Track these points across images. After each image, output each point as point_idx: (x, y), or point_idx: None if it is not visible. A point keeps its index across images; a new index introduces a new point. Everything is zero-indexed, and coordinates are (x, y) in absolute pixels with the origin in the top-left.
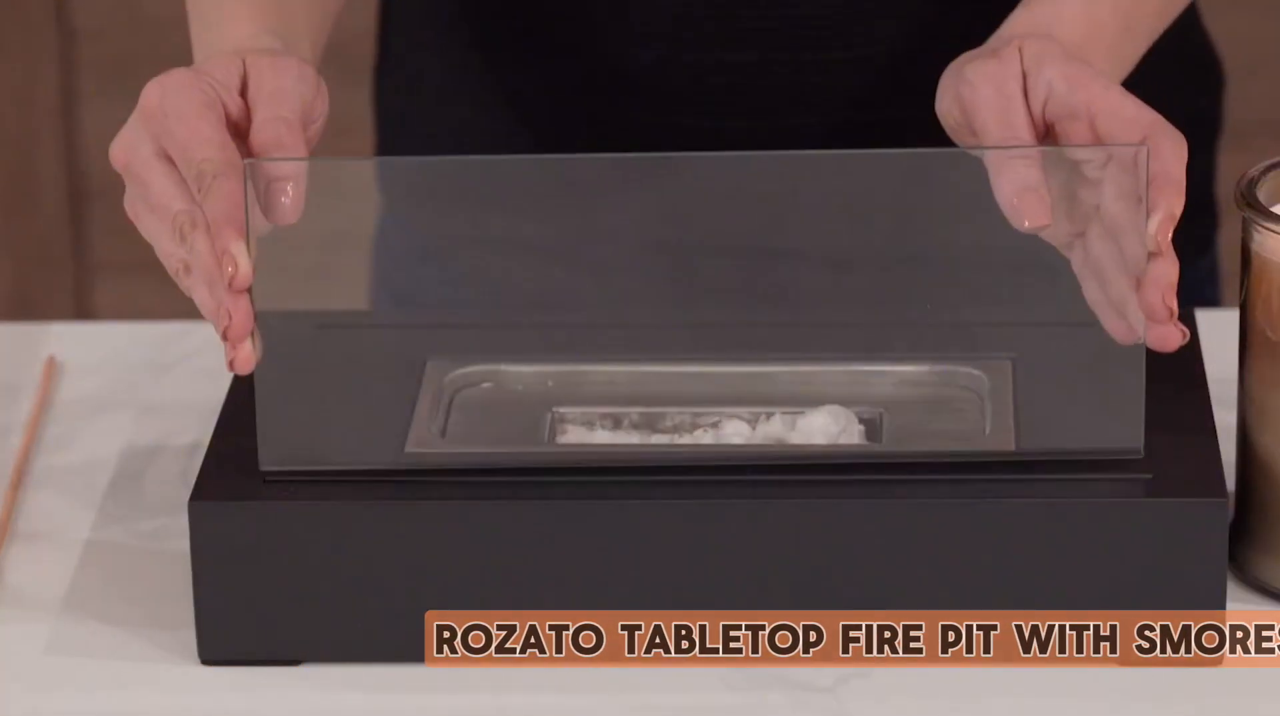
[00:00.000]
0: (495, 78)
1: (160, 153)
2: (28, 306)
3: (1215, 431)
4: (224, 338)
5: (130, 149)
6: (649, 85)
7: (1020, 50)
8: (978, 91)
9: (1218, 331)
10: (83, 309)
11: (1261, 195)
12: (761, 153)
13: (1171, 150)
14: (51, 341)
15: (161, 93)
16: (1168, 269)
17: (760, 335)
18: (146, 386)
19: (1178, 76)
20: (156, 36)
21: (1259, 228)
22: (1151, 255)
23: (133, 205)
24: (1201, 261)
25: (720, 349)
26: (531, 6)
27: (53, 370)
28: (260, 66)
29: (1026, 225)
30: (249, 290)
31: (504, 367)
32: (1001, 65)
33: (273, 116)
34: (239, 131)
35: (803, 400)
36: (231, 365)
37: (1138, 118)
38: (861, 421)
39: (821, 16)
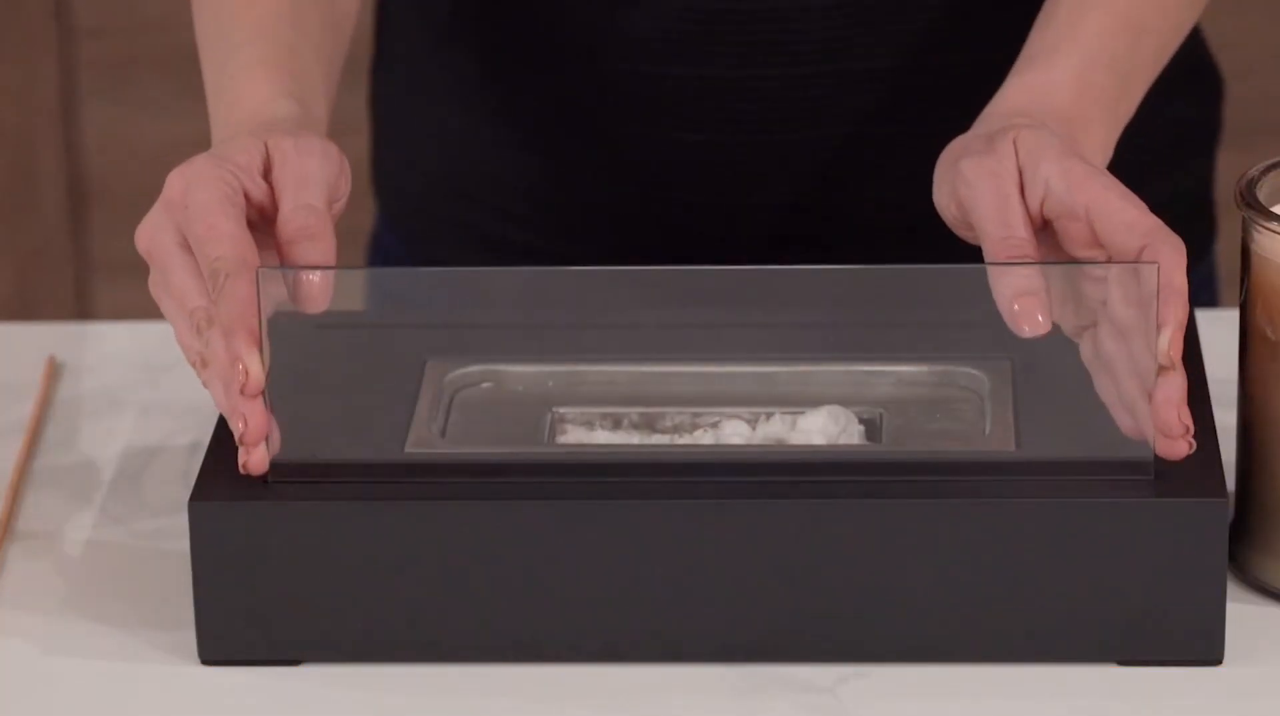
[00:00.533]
0: (488, 84)
1: (182, 242)
2: (28, 306)
3: (1215, 431)
4: (239, 442)
5: (153, 235)
6: (640, 97)
7: (1015, 144)
8: (974, 189)
9: (1218, 331)
10: (83, 309)
11: (1261, 195)
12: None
13: (1172, 258)
14: (51, 341)
15: (185, 185)
16: (1180, 384)
17: (760, 335)
18: (146, 386)
19: (1176, 85)
20: (156, 36)
21: (1259, 228)
22: (1162, 368)
23: (155, 288)
24: (1199, 266)
25: (720, 349)
26: (524, 17)
27: (53, 370)
28: (284, 150)
29: (1026, 333)
30: (263, 394)
31: (504, 367)
32: (997, 162)
33: (300, 205)
34: (264, 214)
35: (803, 400)
36: (244, 467)
37: (1136, 224)
38: (861, 421)
39: (805, 34)
